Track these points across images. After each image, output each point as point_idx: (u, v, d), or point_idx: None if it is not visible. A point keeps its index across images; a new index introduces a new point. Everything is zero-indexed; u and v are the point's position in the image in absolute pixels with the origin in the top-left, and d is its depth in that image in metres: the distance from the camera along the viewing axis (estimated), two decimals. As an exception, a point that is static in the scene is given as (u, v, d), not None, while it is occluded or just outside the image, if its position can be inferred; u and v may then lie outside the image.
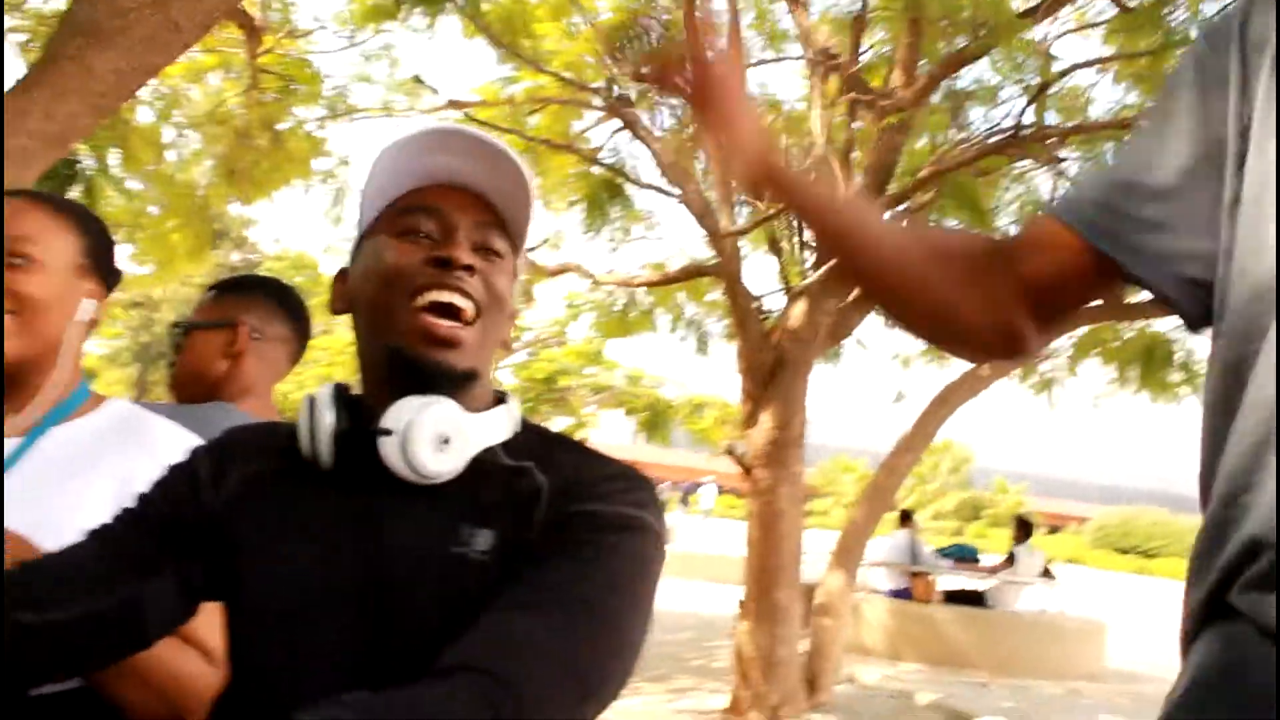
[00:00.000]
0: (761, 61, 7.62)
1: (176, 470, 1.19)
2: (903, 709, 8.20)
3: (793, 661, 7.06)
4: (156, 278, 8.80)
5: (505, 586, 1.01)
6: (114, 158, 6.90)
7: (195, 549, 1.14)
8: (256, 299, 2.24)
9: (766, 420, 6.79)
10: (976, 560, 12.25)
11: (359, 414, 1.12)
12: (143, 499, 1.18)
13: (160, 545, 1.13)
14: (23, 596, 1.07)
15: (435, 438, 1.06)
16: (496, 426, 1.14)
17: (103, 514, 1.18)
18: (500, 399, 1.19)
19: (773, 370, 6.79)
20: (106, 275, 1.58)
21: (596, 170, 7.88)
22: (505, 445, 1.14)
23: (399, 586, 1.06)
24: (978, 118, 7.23)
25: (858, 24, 6.57)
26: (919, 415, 8.37)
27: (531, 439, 1.17)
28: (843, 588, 8.10)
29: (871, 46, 7.10)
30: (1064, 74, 6.71)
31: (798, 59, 7.47)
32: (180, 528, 1.14)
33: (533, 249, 8.72)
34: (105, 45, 3.45)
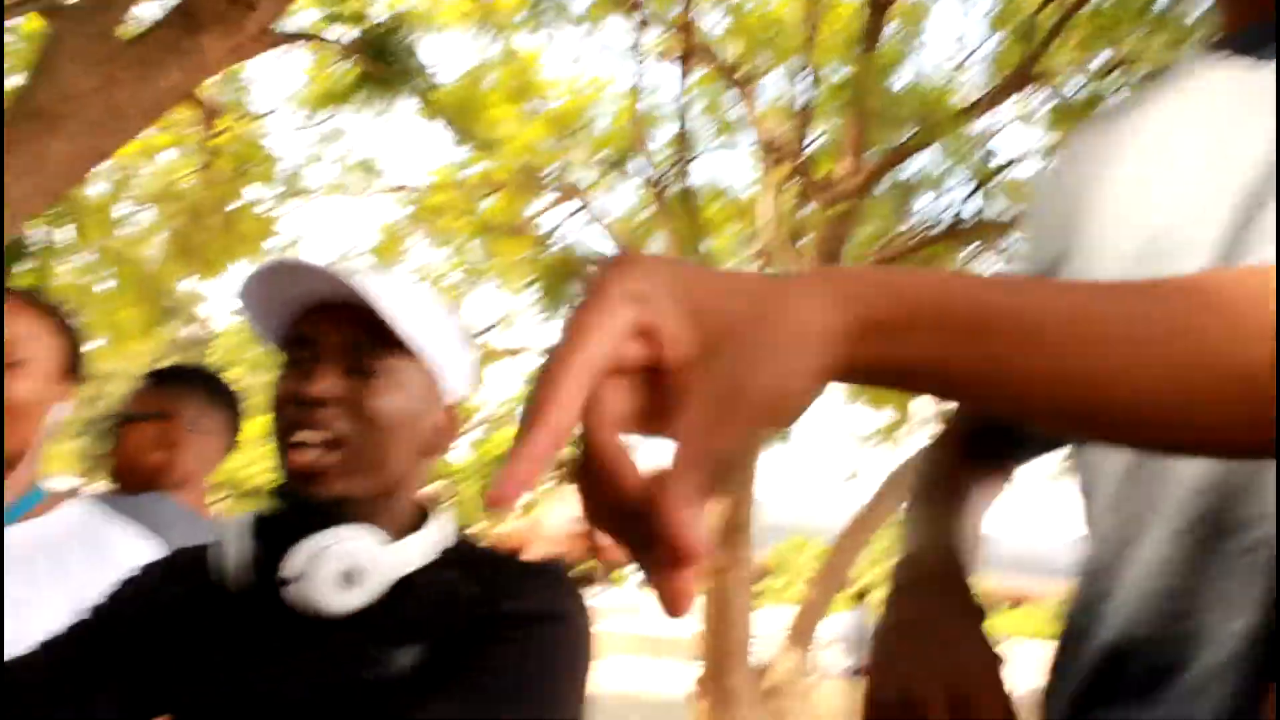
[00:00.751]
0: (712, 149, 7.75)
1: (126, 587, 1.19)
2: (855, 794, 8.10)
3: (744, 746, 6.99)
4: (106, 352, 8.72)
5: (433, 698, 1.01)
6: (66, 231, 6.88)
7: (141, 666, 1.13)
8: (191, 390, 2.24)
9: (715, 505, 6.79)
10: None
11: (276, 539, 1.10)
12: (94, 612, 1.17)
13: (107, 663, 1.13)
14: None
15: (337, 578, 1.05)
16: (415, 551, 1.11)
17: (53, 618, 1.17)
18: (426, 514, 1.17)
19: (721, 453, 6.78)
20: (78, 377, 1.59)
21: (549, 254, 7.95)
22: (436, 560, 1.12)
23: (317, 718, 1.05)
24: (923, 206, 7.38)
25: (804, 114, 6.72)
26: (874, 494, 8.39)
27: (463, 551, 1.15)
28: (796, 668, 8.04)
29: (819, 135, 7.26)
30: (1001, 168, 6.87)
31: (746, 148, 7.62)
32: (127, 646, 1.13)
33: (482, 332, 8.75)
34: (55, 130, 3.47)
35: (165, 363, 2.48)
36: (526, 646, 1.04)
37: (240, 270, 7.55)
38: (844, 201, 6.33)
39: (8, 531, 1.47)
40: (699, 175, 7.63)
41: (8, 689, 1.09)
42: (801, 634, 8.17)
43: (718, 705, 6.81)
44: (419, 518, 1.16)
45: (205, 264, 7.24)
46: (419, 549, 1.11)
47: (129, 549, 1.49)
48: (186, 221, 7.16)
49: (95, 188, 7.22)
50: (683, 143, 7.02)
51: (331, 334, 1.11)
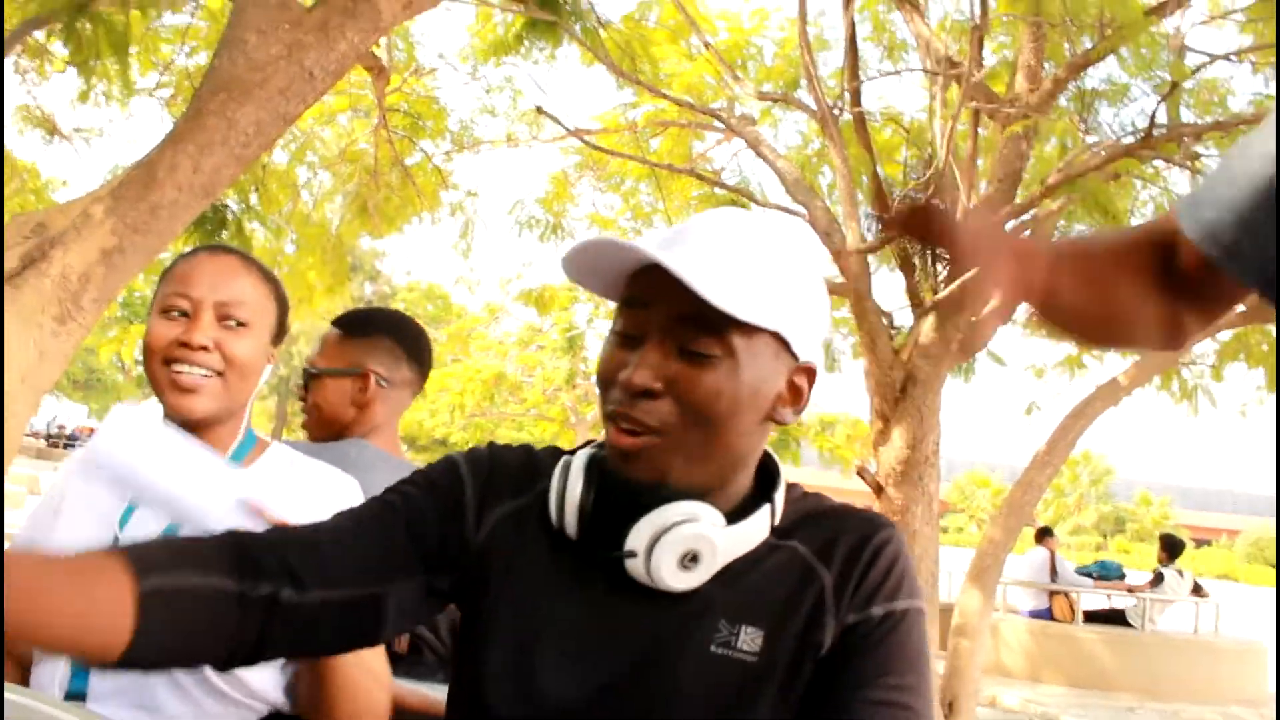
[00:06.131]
0: (881, 74, 7.53)
1: (447, 483, 1.17)
2: (1048, 732, 7.95)
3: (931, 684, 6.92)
4: (294, 313, 9.12)
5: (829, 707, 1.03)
6: (252, 199, 7.20)
7: (450, 566, 1.14)
8: (381, 343, 2.28)
9: (898, 439, 6.69)
10: (1123, 578, 11.81)
11: (611, 488, 1.09)
12: (413, 500, 1.16)
13: (420, 553, 1.12)
14: (288, 571, 1.06)
15: (680, 558, 1.04)
16: (753, 534, 1.09)
17: None
18: (765, 489, 1.13)
19: (903, 387, 6.69)
20: (282, 339, 1.68)
21: (719, 191, 7.90)
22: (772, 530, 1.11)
23: (657, 685, 1.05)
24: (1108, 119, 7.01)
25: (977, 30, 6.45)
26: (1056, 428, 8.14)
27: (794, 514, 1.13)
28: (980, 608, 7.91)
29: (993, 52, 6.97)
30: (1198, 69, 6.47)
31: (917, 70, 7.37)
32: (441, 544, 1.13)
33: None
34: (245, 98, 3.61)
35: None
36: (912, 650, 1.07)
37: (419, 227, 7.78)
38: (1023, 119, 6.08)
39: (227, 476, 1.56)
40: (869, 102, 7.41)
41: (321, 562, 1.08)
42: (984, 572, 8.02)
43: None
44: (757, 490, 1.13)
45: (384, 221, 7.47)
46: (756, 530, 1.09)
47: (329, 482, 1.57)
48: (365, 181, 7.39)
49: (276, 154, 7.51)
50: (851, 69, 6.84)
51: (663, 306, 1.04)
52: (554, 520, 1.10)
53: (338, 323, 2.37)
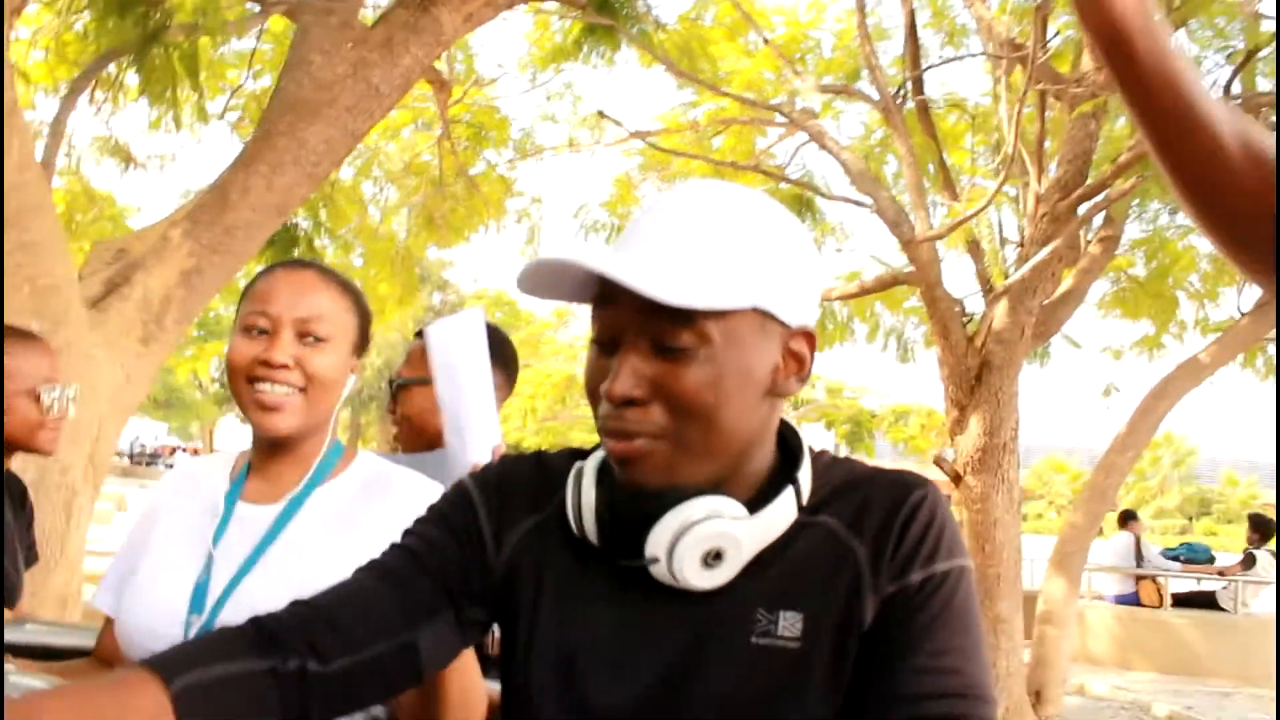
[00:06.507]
0: (944, 60, 7.44)
1: (459, 513, 1.16)
2: (1141, 720, 7.81)
3: (1017, 673, 6.83)
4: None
5: (874, 686, 1.00)
6: (321, 215, 7.32)
7: (479, 596, 1.13)
8: None
9: (975, 426, 6.61)
10: (1211, 560, 11.53)
11: (626, 488, 1.05)
12: (430, 539, 1.15)
13: (443, 592, 1.12)
14: (311, 646, 1.06)
15: (703, 558, 1.00)
16: (778, 520, 1.04)
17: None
18: (789, 464, 1.08)
19: (979, 374, 6.61)
20: (364, 351, 1.69)
21: (784, 186, 7.87)
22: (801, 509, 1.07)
23: (702, 684, 1.03)
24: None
25: (1040, 11, 6.35)
26: (1136, 409, 7.98)
27: (821, 488, 1.08)
28: (1065, 595, 7.79)
29: (1058, 32, 6.85)
30: (1274, 36, 6.30)
31: (980, 54, 7.28)
32: (465, 577, 1.12)
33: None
34: (313, 118, 3.67)
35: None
36: (960, 609, 1.01)
37: (485, 235, 7.87)
38: (1091, 99, 5.97)
39: (316, 492, 1.58)
40: (931, 89, 7.33)
41: (343, 629, 1.08)
42: (1068, 558, 7.89)
43: (987, 633, 6.68)
44: (780, 466, 1.09)
45: (451, 231, 7.55)
46: (782, 516, 1.04)
47: (416, 491, 1.56)
48: (430, 192, 7.48)
49: (343, 170, 7.63)
50: (912, 57, 6.78)
51: (628, 299, 0.97)
52: (574, 529, 1.08)
53: (421, 333, 2.39)
